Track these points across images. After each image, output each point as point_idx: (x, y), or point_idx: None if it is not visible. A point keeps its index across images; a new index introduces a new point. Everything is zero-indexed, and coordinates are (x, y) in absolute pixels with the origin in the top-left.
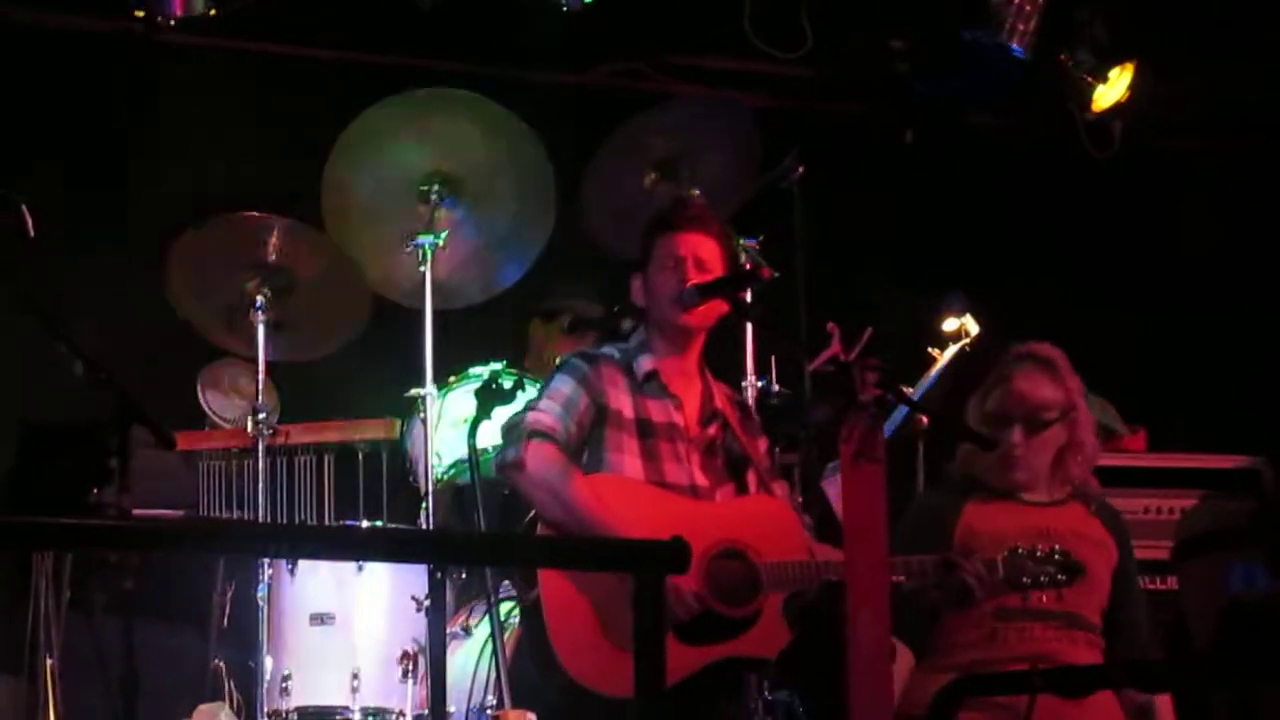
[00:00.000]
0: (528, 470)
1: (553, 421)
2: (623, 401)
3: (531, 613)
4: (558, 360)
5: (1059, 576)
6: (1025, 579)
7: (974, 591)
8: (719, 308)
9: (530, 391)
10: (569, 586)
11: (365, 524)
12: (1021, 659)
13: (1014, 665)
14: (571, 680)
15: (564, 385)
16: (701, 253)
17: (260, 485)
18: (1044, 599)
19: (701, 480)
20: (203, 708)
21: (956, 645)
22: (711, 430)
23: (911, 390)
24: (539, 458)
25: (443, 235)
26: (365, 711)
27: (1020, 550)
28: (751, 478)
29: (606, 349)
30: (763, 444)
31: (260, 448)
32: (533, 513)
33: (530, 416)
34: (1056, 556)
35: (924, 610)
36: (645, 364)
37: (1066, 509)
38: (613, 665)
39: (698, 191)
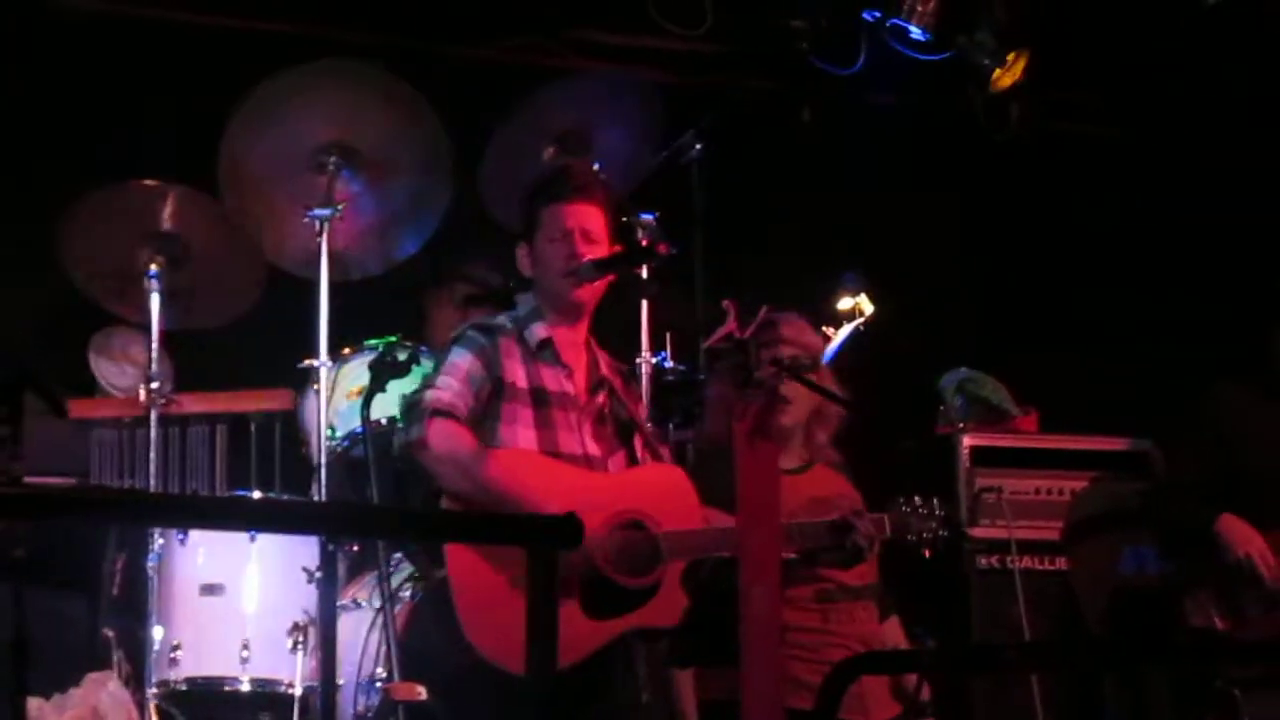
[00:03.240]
0: (431, 448)
1: (452, 398)
2: (517, 372)
3: (438, 590)
4: (454, 334)
5: (941, 532)
6: (910, 535)
7: (865, 551)
8: (607, 280)
9: (425, 365)
10: (478, 564)
11: (257, 495)
12: (852, 640)
13: (843, 647)
14: (481, 658)
15: (461, 360)
16: (589, 223)
17: (152, 454)
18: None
19: (594, 449)
20: (91, 676)
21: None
22: (600, 399)
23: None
24: (442, 435)
25: (340, 207)
26: (255, 682)
27: (905, 508)
28: (638, 443)
29: (500, 319)
30: (642, 408)
31: (153, 417)
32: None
33: (430, 394)
34: (939, 512)
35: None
36: (539, 332)
37: (815, 472)
38: (522, 642)
39: (598, 165)
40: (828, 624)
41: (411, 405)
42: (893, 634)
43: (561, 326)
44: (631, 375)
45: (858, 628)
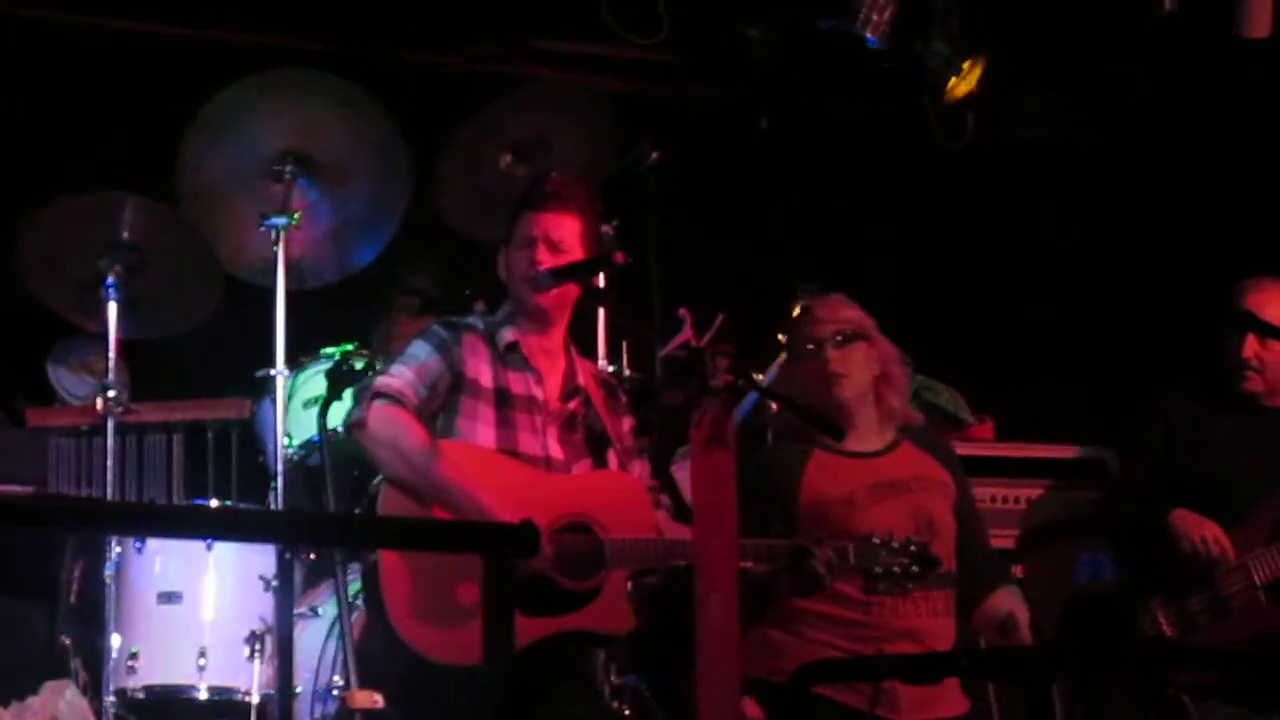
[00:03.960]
0: (369, 429)
1: (401, 385)
2: (482, 370)
3: (369, 581)
4: (421, 329)
5: (913, 569)
6: (878, 569)
7: (824, 580)
8: (575, 290)
9: None
10: (405, 557)
11: (214, 503)
12: (895, 635)
13: (889, 642)
14: (417, 654)
15: (419, 350)
16: (557, 232)
17: (110, 463)
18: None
19: (557, 453)
20: (49, 685)
21: (831, 620)
22: (572, 405)
23: (762, 377)
24: (380, 417)
25: (297, 215)
26: (212, 690)
27: (875, 540)
28: (612, 456)
29: (470, 319)
30: (627, 423)
31: (110, 425)
32: (376, 481)
33: (380, 379)
34: (912, 548)
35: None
36: (508, 335)
37: (900, 452)
38: (447, 633)
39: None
40: (869, 616)
41: (361, 388)
42: (1002, 605)
43: (532, 332)
44: (618, 389)
45: (906, 622)
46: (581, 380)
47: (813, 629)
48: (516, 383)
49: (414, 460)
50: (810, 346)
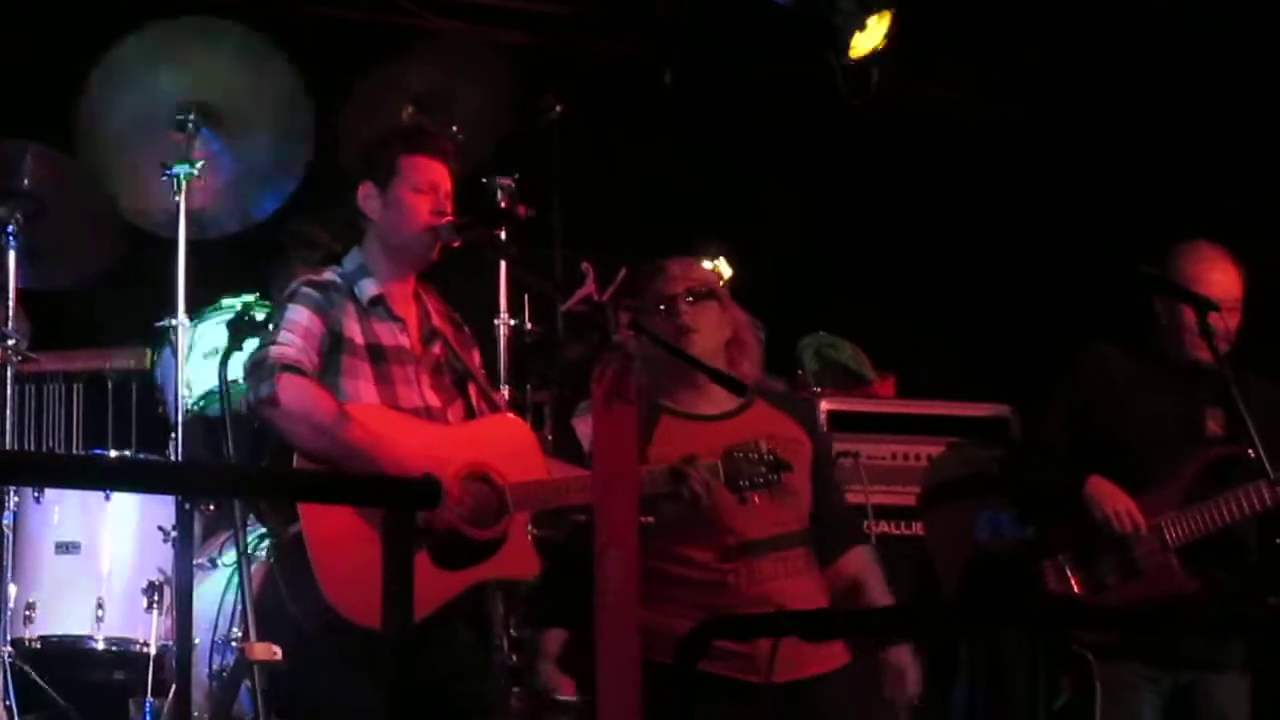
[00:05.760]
0: (282, 405)
1: (297, 354)
2: (353, 329)
3: (292, 547)
4: (288, 290)
5: (771, 476)
6: (743, 481)
7: (702, 499)
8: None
9: None
10: (333, 520)
11: (114, 453)
12: (751, 601)
13: (745, 607)
14: (337, 614)
15: (299, 315)
16: (446, 184)
17: (8, 412)
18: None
19: (434, 401)
20: None
21: (687, 587)
22: (436, 349)
23: None
24: (293, 391)
25: (198, 165)
26: (109, 641)
27: (736, 453)
28: (473, 391)
29: (328, 275)
30: (476, 355)
31: (9, 375)
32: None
33: (274, 351)
34: (767, 456)
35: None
36: (370, 289)
37: (751, 414)
38: (378, 598)
39: (455, 127)
40: (725, 581)
41: (257, 363)
42: (854, 567)
43: (394, 281)
44: (462, 321)
45: (761, 587)
46: (436, 321)
47: (670, 602)
48: (385, 335)
49: (329, 430)
50: (661, 305)
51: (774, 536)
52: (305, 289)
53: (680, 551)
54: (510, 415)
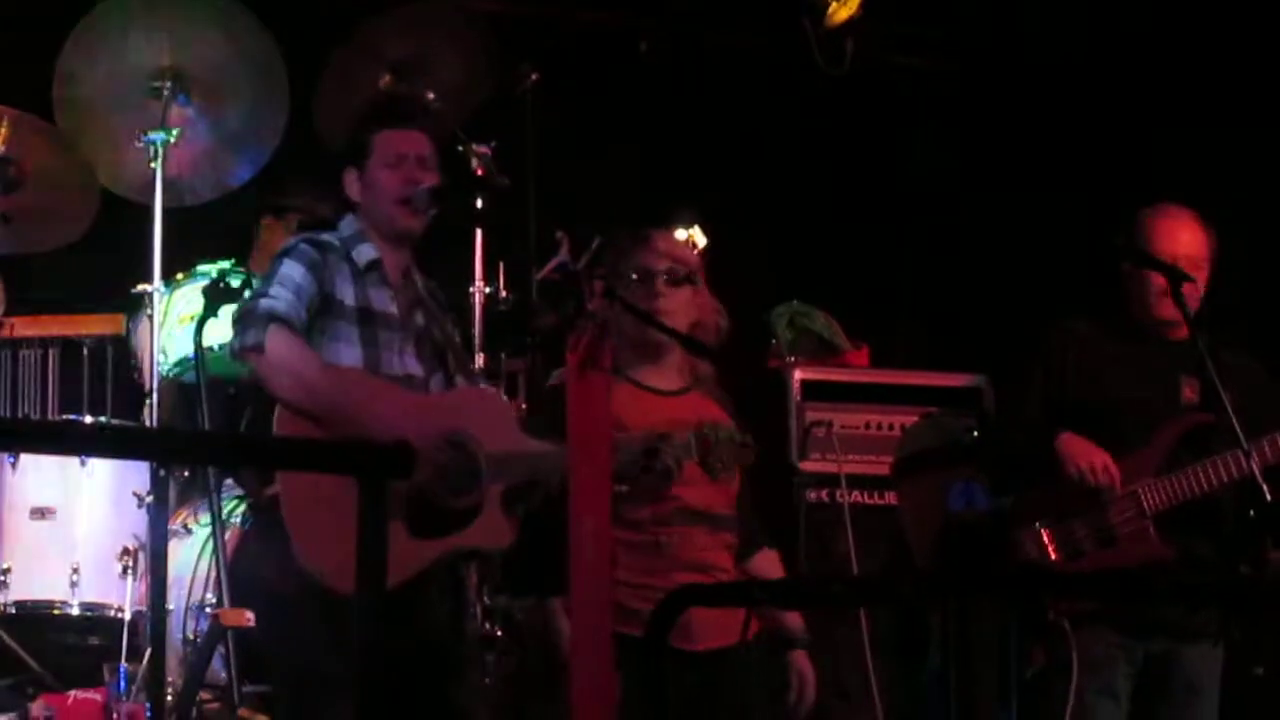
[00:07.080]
0: (269, 354)
1: (287, 308)
2: (345, 290)
3: (268, 513)
4: (285, 245)
5: (742, 453)
6: (714, 460)
7: (674, 473)
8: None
9: None
10: (311, 483)
11: (89, 419)
12: (683, 567)
13: (683, 575)
14: (310, 577)
15: (293, 271)
16: (423, 150)
17: None
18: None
19: (416, 370)
20: None
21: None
22: (420, 320)
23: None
24: (281, 342)
25: (174, 132)
26: (84, 606)
27: (706, 431)
28: (450, 360)
29: (327, 236)
30: (450, 324)
31: None
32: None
33: (264, 302)
34: (737, 438)
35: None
36: (367, 253)
37: (692, 397)
38: (353, 563)
39: (432, 95)
40: (658, 543)
41: (246, 312)
42: (764, 568)
43: (389, 250)
44: (437, 291)
45: (697, 554)
46: (421, 292)
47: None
48: (377, 300)
49: (315, 386)
50: (636, 276)
51: (710, 512)
52: (303, 245)
53: (620, 511)
54: (488, 388)
